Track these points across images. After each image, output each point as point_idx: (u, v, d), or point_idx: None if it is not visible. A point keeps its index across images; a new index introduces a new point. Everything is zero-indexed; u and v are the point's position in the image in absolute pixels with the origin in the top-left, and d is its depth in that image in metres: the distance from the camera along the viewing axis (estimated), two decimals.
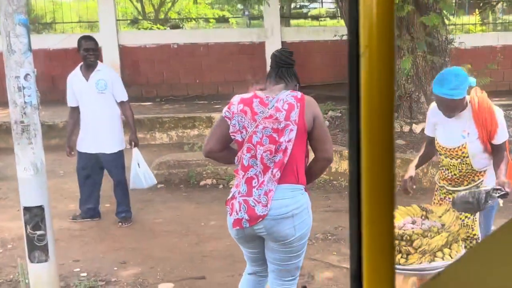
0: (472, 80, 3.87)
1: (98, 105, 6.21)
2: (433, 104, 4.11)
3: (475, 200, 3.70)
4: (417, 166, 4.26)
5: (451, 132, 3.96)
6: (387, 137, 0.82)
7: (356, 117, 0.82)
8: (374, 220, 0.82)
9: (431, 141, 4.22)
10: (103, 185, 7.80)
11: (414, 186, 4.17)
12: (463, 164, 3.97)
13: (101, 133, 6.20)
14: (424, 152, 4.30)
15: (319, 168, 3.67)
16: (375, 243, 0.82)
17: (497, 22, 17.80)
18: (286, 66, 3.59)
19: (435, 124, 4.08)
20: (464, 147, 3.91)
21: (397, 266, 3.63)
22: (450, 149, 3.98)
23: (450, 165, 4.03)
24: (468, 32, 14.69)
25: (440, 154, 4.09)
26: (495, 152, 3.91)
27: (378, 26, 0.77)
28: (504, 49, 12.86)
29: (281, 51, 3.68)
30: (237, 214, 3.47)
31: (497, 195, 3.69)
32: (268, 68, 3.74)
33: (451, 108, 3.82)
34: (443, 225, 3.84)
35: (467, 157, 3.93)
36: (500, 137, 3.90)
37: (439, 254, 3.66)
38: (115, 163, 6.36)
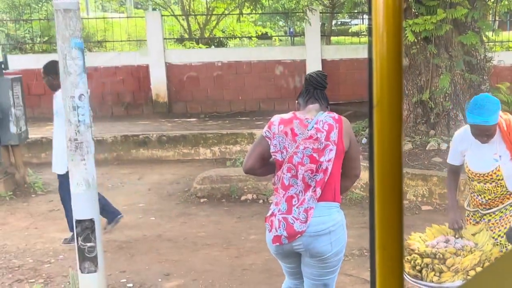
0: None
1: (54, 127, 6.22)
2: (459, 132, 4.09)
3: None
4: (455, 198, 4.22)
5: (483, 157, 3.91)
6: (396, 170, 0.92)
7: (372, 153, 0.93)
8: (384, 234, 0.91)
9: (455, 169, 4.20)
10: (147, 198, 8.03)
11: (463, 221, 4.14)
12: (498, 187, 3.93)
13: (53, 155, 6.20)
14: (451, 181, 4.24)
15: (349, 184, 3.78)
16: (384, 253, 0.91)
17: None
18: (321, 88, 3.68)
19: (463, 151, 4.03)
20: (498, 170, 3.88)
21: (430, 284, 3.67)
22: (483, 174, 3.93)
23: (484, 189, 3.97)
24: (508, 49, 14.51)
25: (472, 181, 4.03)
26: None
27: (388, 80, 0.88)
28: None
29: (318, 73, 3.74)
30: (277, 231, 3.55)
31: None
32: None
33: (490, 134, 3.79)
34: (476, 244, 3.86)
35: (502, 179, 3.90)
36: None
37: (472, 273, 3.68)
38: (62, 185, 6.34)
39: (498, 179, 3.90)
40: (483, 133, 3.79)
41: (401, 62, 0.90)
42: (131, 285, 5.32)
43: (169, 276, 5.50)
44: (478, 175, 3.95)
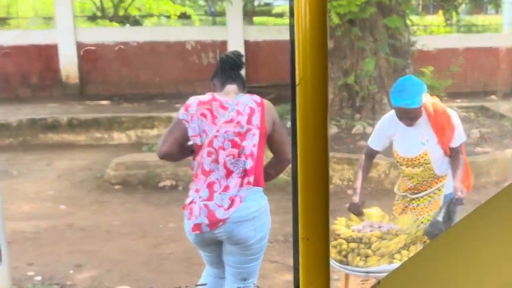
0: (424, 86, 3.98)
1: None
2: (387, 116, 4.17)
3: (448, 223, 3.77)
4: (362, 184, 4.18)
5: (410, 142, 4.00)
6: (321, 154, 0.90)
7: (294, 137, 0.90)
8: (308, 223, 0.88)
9: (373, 154, 4.25)
10: (56, 185, 7.82)
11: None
12: (426, 171, 4.04)
13: None
14: (366, 167, 4.23)
15: (279, 169, 3.79)
16: (309, 244, 0.89)
17: (460, 24, 18.18)
18: (239, 68, 3.66)
19: (391, 136, 4.10)
20: (426, 154, 3.99)
21: (356, 269, 3.73)
22: (411, 159, 4.02)
23: (413, 174, 4.07)
24: (432, 33, 14.97)
25: (401, 165, 4.12)
26: (453, 155, 4.02)
27: (312, 59, 0.85)
28: (466, 51, 13.16)
29: (234, 53, 3.72)
30: (197, 218, 3.50)
31: (457, 202, 3.81)
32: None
33: (413, 117, 3.89)
34: (401, 227, 3.95)
35: (429, 163, 4.01)
36: (457, 140, 4.01)
37: (398, 256, 3.77)
38: None
39: (426, 163, 4.00)
40: (406, 116, 3.89)
41: (325, 43, 0.87)
42: (39, 278, 5.17)
43: (81, 267, 5.39)
44: (406, 159, 4.05)
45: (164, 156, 3.60)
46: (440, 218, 3.80)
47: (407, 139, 4.02)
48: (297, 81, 0.87)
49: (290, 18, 0.90)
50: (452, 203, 3.82)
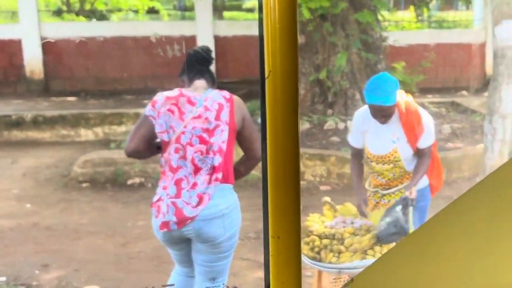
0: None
1: None
2: (360, 112, 4.19)
3: (399, 227, 3.81)
4: (358, 184, 4.27)
5: (381, 139, 4.03)
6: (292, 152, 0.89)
7: (264, 132, 0.89)
8: (279, 221, 0.88)
9: (356, 152, 4.27)
10: (21, 184, 7.73)
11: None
12: (396, 167, 4.07)
13: None
14: (354, 166, 4.29)
15: (248, 167, 3.77)
16: (279, 242, 0.88)
17: (431, 19, 18.37)
18: (207, 63, 3.64)
19: (365, 132, 4.12)
20: (396, 152, 4.02)
21: (329, 265, 3.75)
22: (381, 156, 4.04)
23: (383, 170, 4.10)
24: (403, 29, 15.11)
25: (371, 162, 4.15)
26: (419, 155, 4.05)
27: (282, 52, 0.84)
28: (437, 46, 13.30)
29: (203, 48, 3.70)
30: (164, 216, 3.48)
31: (405, 202, 3.84)
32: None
33: (387, 114, 3.91)
34: (373, 223, 3.98)
35: (399, 161, 4.04)
36: (424, 142, 4.01)
37: (370, 252, 3.79)
38: None
39: (396, 161, 4.03)
40: (380, 114, 3.91)
41: (295, 36, 0.87)
42: (4, 279, 5.11)
43: (47, 267, 5.33)
44: (376, 156, 4.07)
45: (131, 154, 3.58)
46: (392, 224, 3.82)
47: (378, 136, 4.04)
48: (266, 74, 0.86)
49: (259, 12, 0.89)
50: (400, 203, 3.85)
